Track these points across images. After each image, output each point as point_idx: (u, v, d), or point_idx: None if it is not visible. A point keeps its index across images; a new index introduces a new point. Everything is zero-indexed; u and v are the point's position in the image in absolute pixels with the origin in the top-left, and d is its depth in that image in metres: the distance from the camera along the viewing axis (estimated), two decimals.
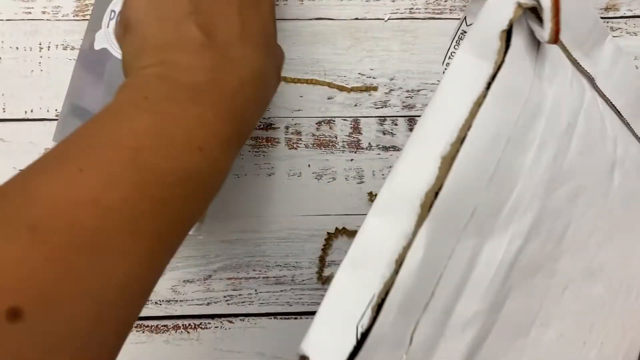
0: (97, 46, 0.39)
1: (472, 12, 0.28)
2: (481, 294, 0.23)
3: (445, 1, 0.43)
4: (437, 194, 0.20)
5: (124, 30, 0.27)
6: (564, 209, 0.25)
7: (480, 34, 0.21)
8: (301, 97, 0.42)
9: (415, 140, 0.21)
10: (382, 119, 0.42)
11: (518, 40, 0.22)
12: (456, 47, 0.29)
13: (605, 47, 0.29)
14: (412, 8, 0.43)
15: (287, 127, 0.42)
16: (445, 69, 0.28)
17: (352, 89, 0.41)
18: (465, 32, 0.29)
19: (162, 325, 0.42)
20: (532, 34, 0.22)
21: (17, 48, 0.42)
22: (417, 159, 0.21)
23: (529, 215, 0.23)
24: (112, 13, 0.39)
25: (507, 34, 0.21)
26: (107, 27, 0.39)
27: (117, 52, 0.39)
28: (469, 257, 0.22)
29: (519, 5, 0.21)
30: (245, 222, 0.42)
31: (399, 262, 0.20)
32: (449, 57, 0.30)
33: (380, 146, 0.42)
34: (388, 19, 0.43)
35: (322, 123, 0.42)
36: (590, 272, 0.28)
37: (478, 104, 0.21)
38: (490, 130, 0.21)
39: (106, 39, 0.39)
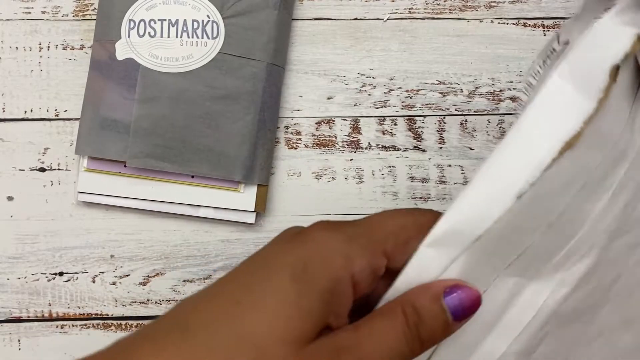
0: (121, 56, 0.39)
1: (569, 30, 0.24)
2: (513, 336, 0.21)
3: (444, 1, 0.43)
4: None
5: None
6: (621, 259, 0.23)
7: (585, 64, 0.18)
8: (300, 97, 0.42)
9: (493, 170, 0.19)
10: (382, 118, 0.43)
11: (624, 77, 0.19)
12: (542, 65, 0.26)
13: None
14: (411, 8, 0.43)
15: (286, 127, 0.42)
16: (527, 86, 0.25)
17: None
18: (555, 50, 0.25)
19: None
20: (637, 71, 0.19)
21: (17, 48, 0.42)
22: (490, 194, 0.19)
23: (584, 263, 0.22)
24: (132, 23, 0.39)
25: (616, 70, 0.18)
26: (128, 36, 0.39)
27: (145, 60, 0.39)
28: (505, 296, 0.20)
29: (639, 37, 0.18)
30: None
31: None
32: (534, 75, 0.26)
33: (380, 146, 0.42)
34: (387, 19, 0.43)
35: (322, 123, 0.42)
36: (627, 321, 0.26)
37: (569, 145, 0.18)
38: (569, 172, 0.19)
39: (130, 49, 0.39)
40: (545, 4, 0.43)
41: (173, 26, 0.40)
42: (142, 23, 0.40)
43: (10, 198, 0.41)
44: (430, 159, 0.43)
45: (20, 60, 0.42)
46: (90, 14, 0.42)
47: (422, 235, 0.20)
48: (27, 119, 0.42)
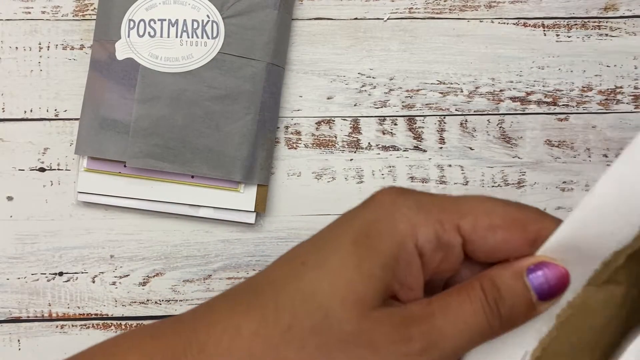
0: (120, 56, 0.39)
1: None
2: None
3: (444, 1, 0.43)
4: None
5: None
6: None
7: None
8: (300, 97, 0.42)
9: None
10: (382, 118, 0.43)
11: None
12: None
13: None
14: (411, 8, 0.43)
15: (286, 127, 0.42)
16: None
17: None
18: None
19: None
20: None
21: (16, 48, 0.42)
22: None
23: None
24: (132, 22, 0.39)
25: None
26: (128, 36, 0.39)
27: (144, 60, 0.39)
28: None
29: None
30: None
31: None
32: None
33: (380, 146, 0.42)
34: (387, 18, 0.43)
35: (322, 123, 0.42)
36: None
37: None
38: None
39: (130, 49, 0.39)
40: (545, 4, 0.43)
41: (173, 26, 0.40)
42: (142, 23, 0.40)
43: (10, 198, 0.41)
44: (430, 159, 0.42)
45: (20, 60, 0.42)
46: (90, 14, 0.42)
47: (516, 230, 0.19)
48: (27, 119, 0.42)
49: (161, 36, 0.40)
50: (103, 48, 0.40)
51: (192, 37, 0.40)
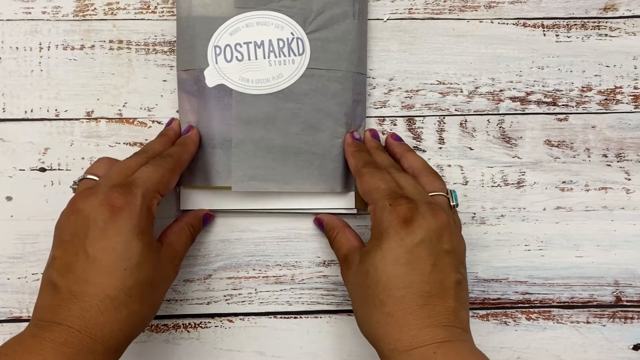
0: (211, 83, 0.39)
1: None
2: None
3: (444, 1, 0.43)
4: None
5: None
6: None
7: None
8: None
9: None
10: (382, 119, 0.43)
11: None
12: None
13: None
14: (411, 8, 0.43)
15: None
16: None
17: None
18: None
19: (162, 325, 0.42)
20: None
21: (17, 48, 0.42)
22: None
23: None
24: (217, 49, 0.39)
25: None
26: (216, 63, 0.39)
27: (236, 85, 0.39)
28: None
29: None
30: (245, 221, 0.42)
31: None
32: None
33: None
34: (387, 19, 0.43)
35: None
36: None
37: None
38: None
39: (220, 75, 0.39)
40: (545, 4, 0.43)
41: (259, 47, 0.40)
42: (227, 48, 0.40)
43: (10, 198, 0.41)
44: (430, 158, 0.43)
45: (21, 60, 0.42)
46: (90, 14, 0.42)
47: None
48: (27, 119, 0.42)
49: (249, 59, 0.40)
50: (191, 77, 0.40)
51: (280, 56, 0.40)
